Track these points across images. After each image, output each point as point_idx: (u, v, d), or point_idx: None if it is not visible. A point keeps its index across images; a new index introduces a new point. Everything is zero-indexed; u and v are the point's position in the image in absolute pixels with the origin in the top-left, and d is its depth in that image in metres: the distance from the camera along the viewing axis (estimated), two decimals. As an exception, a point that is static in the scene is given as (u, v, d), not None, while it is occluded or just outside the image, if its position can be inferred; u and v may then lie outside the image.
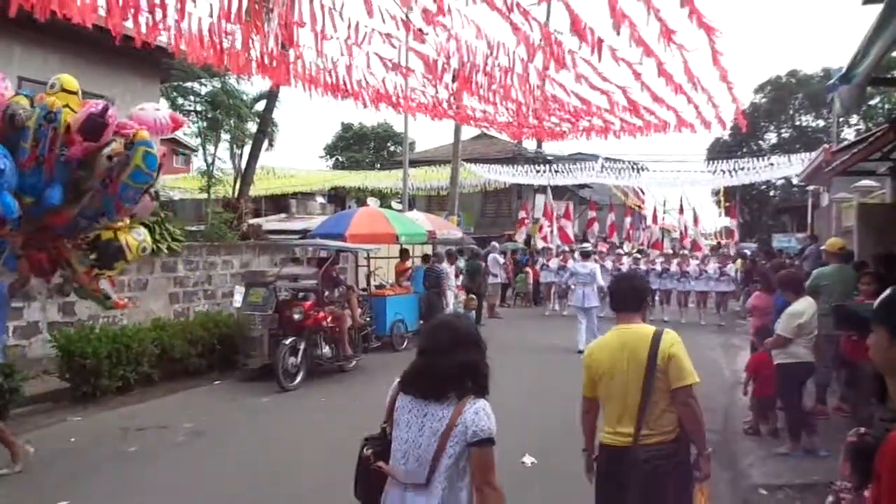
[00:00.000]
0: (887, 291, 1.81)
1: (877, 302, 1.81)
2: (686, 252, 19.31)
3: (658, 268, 17.49)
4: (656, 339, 3.17)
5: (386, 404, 2.85)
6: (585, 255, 13.25)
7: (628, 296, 3.45)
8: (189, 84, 14.73)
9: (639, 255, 18.90)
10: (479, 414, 2.57)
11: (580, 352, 11.03)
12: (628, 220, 26.08)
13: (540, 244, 21.44)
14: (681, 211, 23.62)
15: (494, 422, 2.62)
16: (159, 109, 6.00)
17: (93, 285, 6.17)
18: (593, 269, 12.34)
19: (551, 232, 21.36)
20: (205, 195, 15.44)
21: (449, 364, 2.61)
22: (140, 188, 5.59)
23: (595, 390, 3.35)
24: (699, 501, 3.21)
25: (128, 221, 6.09)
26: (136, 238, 6.12)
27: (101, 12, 4.57)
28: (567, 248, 18.30)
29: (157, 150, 5.75)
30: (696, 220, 23.28)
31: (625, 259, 18.24)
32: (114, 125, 5.49)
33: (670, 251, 20.98)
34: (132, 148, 5.42)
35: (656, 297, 17.48)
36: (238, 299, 9.97)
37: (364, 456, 2.80)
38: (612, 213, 25.10)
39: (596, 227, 24.37)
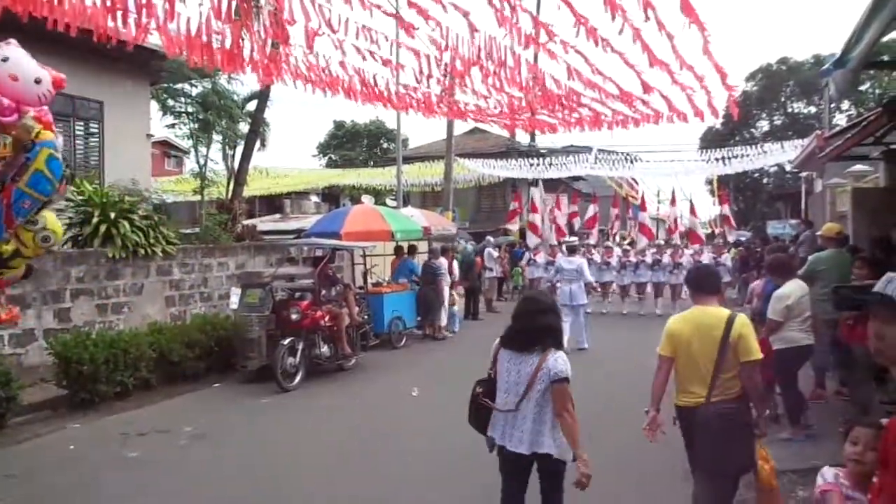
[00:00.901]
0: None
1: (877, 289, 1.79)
2: (678, 243, 18.97)
3: (649, 259, 16.88)
4: (730, 320, 3.87)
5: (491, 356, 3.90)
6: (571, 250, 12.76)
7: (706, 282, 4.18)
8: (179, 85, 14.67)
9: (628, 248, 18.36)
10: (557, 361, 3.63)
11: (582, 348, 11.26)
12: (615, 210, 25.37)
13: (534, 240, 20.88)
14: (672, 202, 23.32)
15: (570, 366, 3.65)
16: (40, 81, 4.20)
17: None
18: (580, 265, 12.00)
19: (544, 225, 21.14)
20: (198, 197, 15.40)
21: (535, 326, 3.71)
22: (39, 200, 4.30)
23: (673, 352, 4.02)
24: (760, 454, 3.87)
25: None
26: (30, 228, 4.42)
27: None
28: (555, 243, 17.83)
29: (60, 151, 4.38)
30: (692, 210, 22.78)
31: (616, 251, 17.88)
32: None
33: (661, 242, 20.51)
34: (33, 150, 4.19)
35: (648, 290, 17.19)
36: (234, 301, 9.92)
37: (475, 393, 3.90)
38: (594, 205, 24.76)
39: (577, 220, 24.19)
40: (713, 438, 3.78)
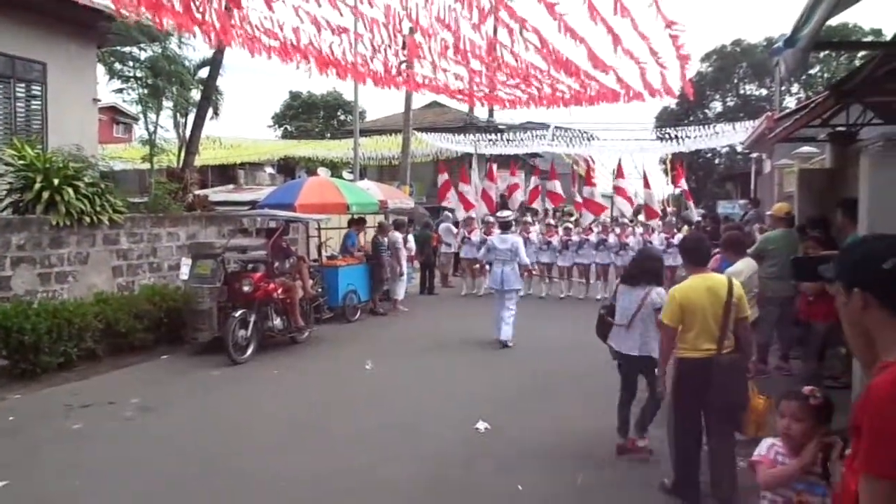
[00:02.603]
0: (848, 248, 1.83)
1: (839, 261, 1.82)
2: (626, 221, 16.87)
3: (594, 239, 15.13)
4: (730, 284, 4.67)
5: (613, 290, 6.25)
6: (505, 227, 10.79)
7: (702, 254, 4.93)
8: (127, 49, 14.16)
9: (570, 226, 16.28)
10: (659, 294, 5.46)
11: (504, 343, 9.82)
12: (556, 182, 22.42)
13: (462, 214, 18.89)
14: (620, 174, 20.95)
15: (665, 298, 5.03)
16: None
17: None
18: (515, 244, 10.17)
19: (472, 196, 19.47)
20: (147, 165, 14.97)
21: (642, 270, 5.68)
22: None
23: (680, 320, 4.67)
24: (751, 388, 4.67)
25: None
26: None
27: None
28: (491, 218, 15.43)
29: None
30: (646, 184, 20.76)
31: (560, 230, 15.92)
32: None
33: (606, 220, 18.49)
34: None
35: (592, 271, 15.47)
36: (185, 272, 9.70)
37: (601, 314, 5.84)
38: (533, 177, 22.86)
39: (518, 194, 21.69)
40: (727, 382, 4.52)
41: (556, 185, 22.05)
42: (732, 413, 4.59)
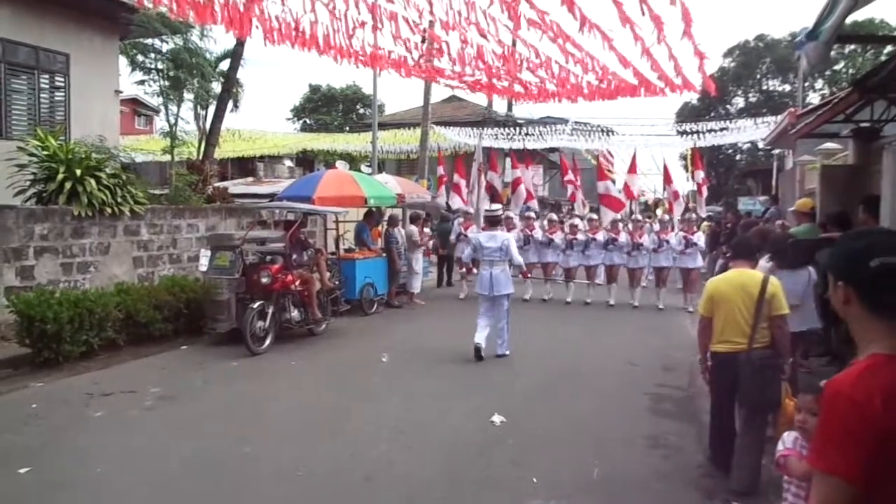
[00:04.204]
0: (844, 240, 1.82)
1: (833, 251, 1.82)
2: (639, 219, 15.41)
3: (601, 238, 13.61)
4: (765, 282, 4.69)
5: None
6: (493, 222, 9.30)
7: (745, 249, 5.07)
8: (150, 41, 14.27)
9: (576, 223, 14.50)
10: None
11: (477, 353, 8.63)
12: (601, 183, 19.31)
13: (457, 202, 17.90)
14: (632, 169, 20.03)
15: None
16: None
17: None
18: (505, 241, 8.89)
19: (469, 189, 18.28)
20: (168, 157, 15.09)
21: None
22: None
23: (712, 311, 4.83)
24: (785, 389, 4.47)
25: None
26: None
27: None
28: (470, 211, 15.07)
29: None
30: (667, 179, 19.96)
31: (567, 226, 14.47)
32: None
33: (619, 217, 16.32)
34: None
35: (600, 273, 14.10)
36: (204, 263, 9.79)
37: None
38: (533, 166, 21.12)
39: (522, 188, 19.67)
40: (754, 377, 4.57)
41: (609, 188, 18.62)
42: (763, 410, 4.67)
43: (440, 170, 20.03)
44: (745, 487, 4.64)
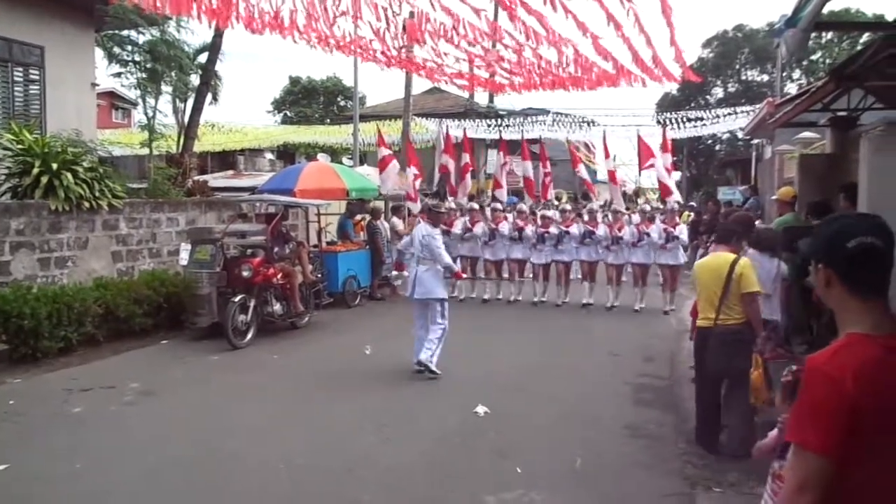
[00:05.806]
0: (822, 225, 1.85)
1: (813, 237, 1.85)
2: (619, 209, 13.51)
3: (576, 230, 12.17)
4: (734, 262, 5.06)
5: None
6: (433, 217, 8.04)
7: (726, 234, 5.44)
8: (126, 32, 14.07)
9: (548, 213, 12.93)
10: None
11: (420, 368, 7.45)
12: (579, 175, 19.86)
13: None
14: (606, 155, 18.77)
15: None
16: None
17: None
18: (427, 237, 7.63)
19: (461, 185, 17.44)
20: (146, 151, 14.92)
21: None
22: None
23: (698, 291, 5.32)
24: (756, 362, 4.59)
25: None
26: None
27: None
28: (475, 205, 13.88)
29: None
30: (648, 153, 16.39)
31: (538, 217, 12.68)
32: None
33: (595, 206, 14.06)
34: None
35: (574, 270, 12.86)
36: (184, 257, 9.70)
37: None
38: (500, 154, 18.32)
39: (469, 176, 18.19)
40: (720, 348, 4.98)
41: (582, 170, 18.93)
42: (732, 378, 5.06)
43: (383, 150, 16.07)
44: (734, 451, 4.94)
